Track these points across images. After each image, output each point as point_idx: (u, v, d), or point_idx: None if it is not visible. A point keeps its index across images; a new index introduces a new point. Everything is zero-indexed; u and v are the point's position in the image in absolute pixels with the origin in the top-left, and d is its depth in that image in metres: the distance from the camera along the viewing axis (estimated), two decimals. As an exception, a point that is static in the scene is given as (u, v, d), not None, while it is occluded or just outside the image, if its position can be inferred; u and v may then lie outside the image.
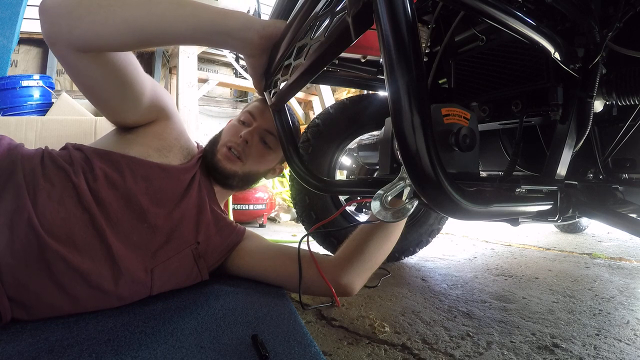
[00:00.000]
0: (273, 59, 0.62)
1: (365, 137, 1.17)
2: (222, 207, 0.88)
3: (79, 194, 0.62)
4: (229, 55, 3.30)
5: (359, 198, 1.08)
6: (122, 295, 0.64)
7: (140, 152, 0.73)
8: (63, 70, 3.28)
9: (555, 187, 0.57)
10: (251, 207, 2.49)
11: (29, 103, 2.39)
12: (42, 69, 3.16)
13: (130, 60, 0.69)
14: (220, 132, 0.90)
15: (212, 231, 0.79)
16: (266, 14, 2.34)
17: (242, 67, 3.37)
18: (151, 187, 0.70)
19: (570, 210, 0.57)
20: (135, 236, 0.67)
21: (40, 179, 0.61)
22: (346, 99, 1.26)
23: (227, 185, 0.86)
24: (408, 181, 0.51)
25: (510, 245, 1.86)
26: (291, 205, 1.75)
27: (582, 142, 0.64)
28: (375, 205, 0.50)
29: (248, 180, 0.88)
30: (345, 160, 1.35)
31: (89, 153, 0.69)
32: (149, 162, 0.73)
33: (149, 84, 0.75)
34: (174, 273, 0.72)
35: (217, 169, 0.82)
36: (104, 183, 0.65)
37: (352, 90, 3.40)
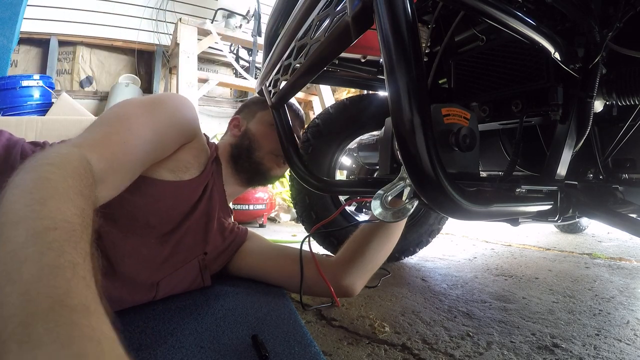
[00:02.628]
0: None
1: (365, 137, 1.16)
2: (230, 205, 0.88)
3: None
4: (228, 56, 3.29)
5: (358, 198, 1.08)
6: (124, 302, 0.63)
7: (150, 172, 0.66)
8: (63, 70, 3.28)
9: (555, 187, 0.57)
10: (251, 207, 2.48)
11: (29, 103, 2.39)
12: (42, 69, 3.14)
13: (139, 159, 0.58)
14: (249, 138, 0.86)
15: (218, 241, 0.79)
16: (266, 14, 2.34)
17: (242, 67, 3.37)
18: (156, 204, 0.68)
19: (570, 210, 0.57)
20: (145, 250, 0.66)
21: None
22: (346, 99, 1.26)
23: (260, 185, 0.91)
24: (408, 181, 0.51)
25: (510, 245, 1.86)
26: (291, 205, 1.75)
27: (582, 142, 0.64)
28: (375, 205, 0.50)
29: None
30: (345, 160, 1.35)
31: None
32: (158, 180, 0.68)
33: (177, 140, 0.69)
34: (178, 283, 0.72)
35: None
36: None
37: (352, 90, 3.40)
